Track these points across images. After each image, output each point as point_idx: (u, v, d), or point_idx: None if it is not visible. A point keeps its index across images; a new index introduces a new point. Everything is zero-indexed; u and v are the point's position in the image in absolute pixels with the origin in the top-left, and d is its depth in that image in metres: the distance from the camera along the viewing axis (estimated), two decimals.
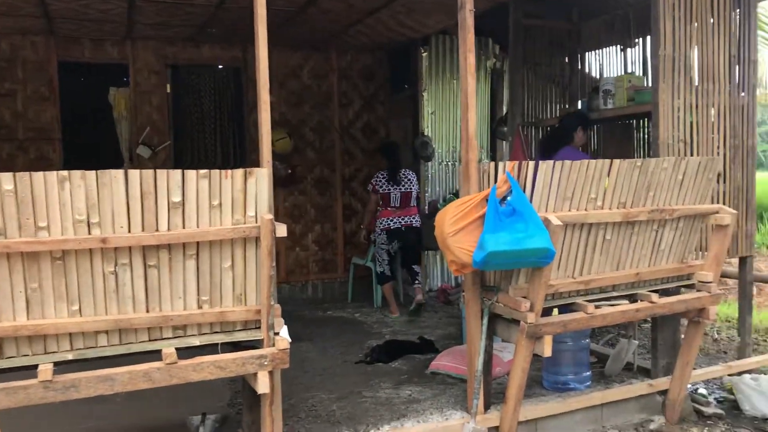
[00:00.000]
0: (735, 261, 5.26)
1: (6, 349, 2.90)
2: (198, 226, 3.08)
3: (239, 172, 3.12)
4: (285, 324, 3.36)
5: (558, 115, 6.25)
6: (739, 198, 4.81)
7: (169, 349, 3.03)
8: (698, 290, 4.19)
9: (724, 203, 4.67)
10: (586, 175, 3.69)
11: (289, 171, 7.86)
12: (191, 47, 7.62)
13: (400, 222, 6.85)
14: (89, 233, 2.92)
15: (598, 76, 6.21)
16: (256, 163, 7.70)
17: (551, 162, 3.60)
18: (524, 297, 3.66)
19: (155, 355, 3.06)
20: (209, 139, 7.91)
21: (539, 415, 4.10)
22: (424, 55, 7.75)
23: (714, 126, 4.65)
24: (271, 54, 8.06)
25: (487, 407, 4.02)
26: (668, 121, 4.42)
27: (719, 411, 4.52)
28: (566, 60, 6.43)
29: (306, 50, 8.08)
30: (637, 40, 5.86)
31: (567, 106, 6.38)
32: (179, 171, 3.01)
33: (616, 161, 3.75)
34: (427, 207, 7.60)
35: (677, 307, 4.05)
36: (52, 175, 2.83)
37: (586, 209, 3.75)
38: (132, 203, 2.96)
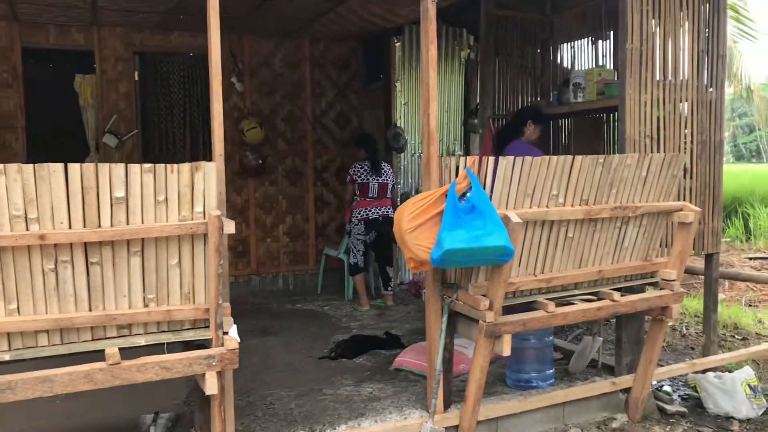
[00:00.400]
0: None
1: None
2: (143, 222, 2.97)
3: (186, 167, 3.01)
4: (235, 323, 3.25)
5: None
6: (705, 194, 4.77)
7: (112, 349, 2.93)
8: (661, 288, 4.15)
9: (690, 199, 4.64)
10: (548, 172, 3.62)
11: (260, 161, 7.74)
12: (159, 34, 7.46)
13: (377, 212, 6.75)
14: (27, 229, 2.81)
15: (570, 68, 6.15)
16: (227, 153, 7.62)
17: (511, 158, 3.53)
18: (484, 295, 3.59)
19: (100, 355, 2.96)
20: (178, 128, 7.77)
21: (500, 414, 4.05)
22: (397, 45, 7.65)
23: (681, 121, 4.59)
24: (242, 42, 8.01)
25: (447, 406, 3.96)
26: (635, 116, 4.37)
27: (682, 409, 4.50)
28: (538, 51, 6.36)
29: (278, 38, 7.94)
30: (608, 33, 5.79)
31: (539, 99, 6.32)
32: (122, 165, 2.90)
33: (579, 157, 3.68)
34: (399, 199, 7.52)
35: (640, 306, 4.01)
36: None
37: (547, 206, 3.68)
38: (72, 198, 2.85)
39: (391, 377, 4.66)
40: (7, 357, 2.88)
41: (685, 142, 4.64)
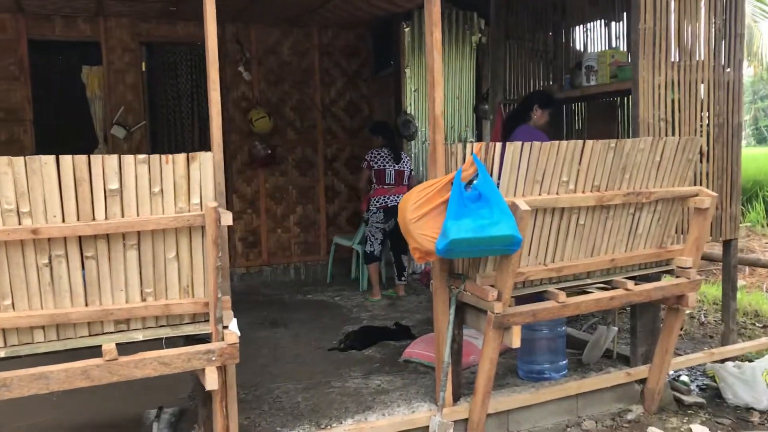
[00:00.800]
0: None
1: None
2: (138, 215, 2.90)
3: (181, 157, 2.93)
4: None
5: None
6: (723, 178, 4.61)
7: (108, 345, 2.86)
8: (677, 276, 4.02)
9: (707, 184, 4.49)
10: (558, 157, 3.50)
11: (269, 151, 7.65)
12: (166, 24, 7.38)
13: (396, 200, 6.64)
14: (19, 223, 2.74)
15: (583, 51, 5.98)
16: (236, 143, 7.56)
17: (519, 143, 3.41)
18: (492, 285, 3.48)
19: (99, 351, 2.89)
20: (186, 118, 7.71)
21: (511, 407, 3.96)
22: (407, 30, 7.51)
23: (697, 103, 4.44)
24: (249, 31, 7.91)
25: (457, 399, 3.87)
26: (649, 99, 4.21)
27: (700, 400, 4.37)
28: (550, 35, 6.20)
29: (285, 26, 7.84)
30: (621, 14, 5.62)
31: (551, 83, 6.16)
32: (115, 156, 2.83)
33: (589, 142, 3.56)
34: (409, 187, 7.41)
35: (654, 295, 3.88)
36: None
37: (557, 193, 3.56)
38: (65, 191, 2.78)
39: (401, 369, 4.58)
40: (2, 354, 2.83)
41: (702, 125, 4.48)
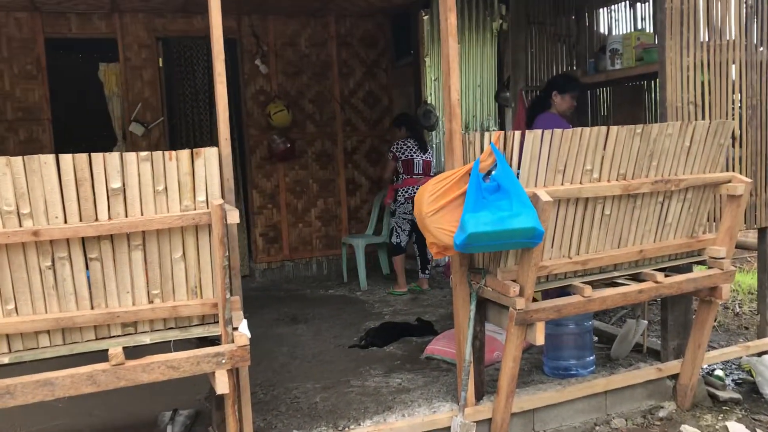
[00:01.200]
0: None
1: None
2: (142, 214, 2.80)
3: (185, 153, 2.82)
4: (246, 317, 3.06)
5: None
6: (757, 163, 4.39)
7: (115, 349, 2.77)
8: (710, 267, 3.83)
9: (740, 170, 4.28)
10: (580, 145, 3.33)
11: (288, 145, 7.54)
12: (182, 18, 7.30)
13: None
14: (20, 225, 2.66)
15: (607, 35, 5.78)
16: (255, 138, 7.48)
17: (539, 131, 3.25)
18: (513, 280, 3.33)
19: (106, 355, 2.81)
20: (204, 114, 7.61)
21: (536, 405, 3.81)
22: (425, 18, 7.36)
23: (729, 85, 4.22)
24: (267, 23, 7.80)
25: (480, 397, 3.74)
26: (677, 82, 4.02)
27: (736, 395, 4.18)
28: (573, 18, 5.99)
29: (303, 17, 7.71)
30: None
31: (575, 68, 5.97)
32: (117, 154, 2.73)
33: (614, 128, 3.38)
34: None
35: (686, 287, 3.69)
36: None
37: (581, 182, 3.39)
38: (66, 191, 2.69)
39: (422, 366, 4.45)
40: (6, 360, 2.75)
41: (733, 108, 4.27)
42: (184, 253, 2.91)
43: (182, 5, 6.88)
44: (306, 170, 7.88)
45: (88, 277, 2.81)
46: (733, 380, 4.50)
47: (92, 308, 2.83)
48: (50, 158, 2.65)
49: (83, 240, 2.75)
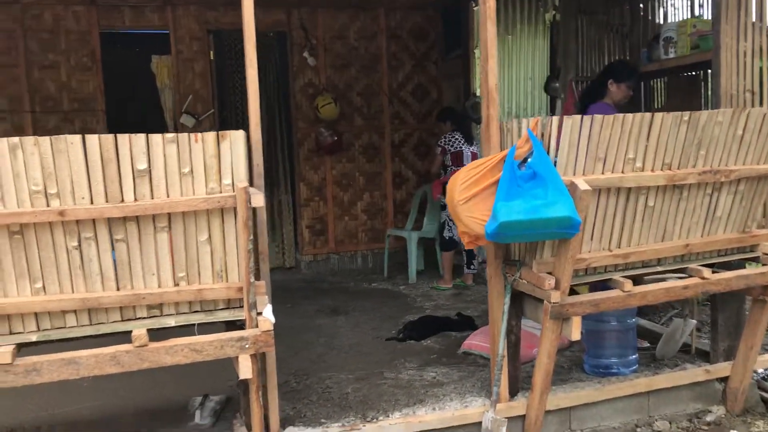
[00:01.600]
0: None
1: None
2: (168, 196, 2.80)
3: (211, 136, 2.80)
4: (270, 303, 3.02)
5: None
6: None
7: (139, 330, 2.78)
8: (763, 264, 3.62)
9: None
10: (622, 132, 3.18)
11: (335, 138, 7.52)
12: (233, 11, 7.34)
13: None
14: (48, 205, 2.69)
15: (662, 23, 5.54)
16: (303, 130, 7.48)
17: (578, 117, 3.11)
18: (549, 273, 3.21)
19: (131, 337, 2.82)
20: None
21: (573, 404, 3.66)
22: (476, 9, 7.21)
23: None
24: (316, 16, 7.78)
25: (514, 393, 3.62)
26: (732, 68, 3.81)
27: None
28: (627, 7, 5.77)
29: (352, 11, 7.68)
30: None
31: (627, 58, 5.75)
32: (143, 135, 2.73)
33: (659, 115, 3.22)
34: None
35: (735, 284, 3.49)
36: (3, 143, 2.60)
37: (622, 171, 3.24)
38: (92, 172, 2.70)
39: (459, 361, 4.35)
40: (34, 338, 2.79)
41: None
42: (209, 236, 2.89)
43: None
44: (353, 163, 7.85)
45: (114, 258, 2.82)
46: None
47: (118, 289, 2.84)
48: (77, 138, 2.66)
49: (109, 221, 2.76)
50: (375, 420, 3.46)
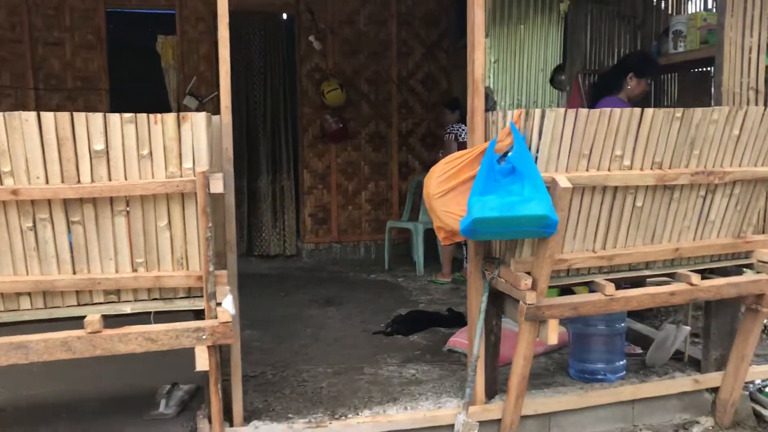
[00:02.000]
0: None
1: None
2: (126, 179, 2.70)
3: (171, 117, 2.70)
4: (232, 293, 2.91)
5: None
6: None
7: (92, 316, 2.70)
8: (758, 271, 3.44)
9: None
10: (609, 128, 3.01)
11: (341, 125, 7.40)
12: None
13: None
14: (1, 183, 2.60)
15: (676, 14, 5.32)
16: (308, 116, 7.36)
17: (561, 110, 2.96)
18: (528, 272, 3.06)
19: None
20: (258, 90, 7.54)
21: (553, 409, 3.52)
22: None
23: None
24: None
25: (492, 396, 3.49)
26: (736, 64, 3.60)
27: None
28: None
29: None
30: None
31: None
32: (100, 114, 2.63)
33: (649, 110, 3.05)
34: None
35: (726, 292, 3.31)
36: None
37: (609, 169, 3.08)
38: (48, 151, 2.62)
39: (442, 359, 4.23)
40: None
41: None
42: (169, 222, 2.80)
43: None
44: (358, 152, 7.72)
45: (70, 241, 2.73)
46: None
47: (74, 273, 2.76)
48: (31, 116, 2.58)
49: (65, 202, 2.68)
50: (343, 417, 3.35)
